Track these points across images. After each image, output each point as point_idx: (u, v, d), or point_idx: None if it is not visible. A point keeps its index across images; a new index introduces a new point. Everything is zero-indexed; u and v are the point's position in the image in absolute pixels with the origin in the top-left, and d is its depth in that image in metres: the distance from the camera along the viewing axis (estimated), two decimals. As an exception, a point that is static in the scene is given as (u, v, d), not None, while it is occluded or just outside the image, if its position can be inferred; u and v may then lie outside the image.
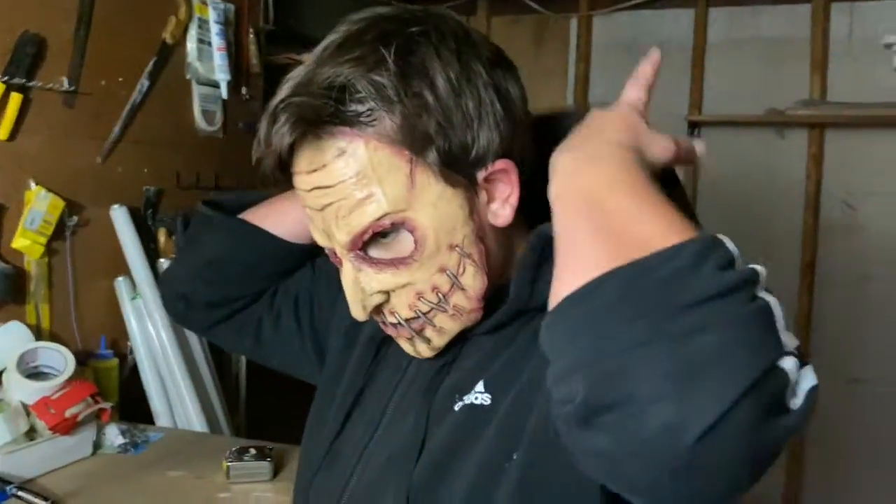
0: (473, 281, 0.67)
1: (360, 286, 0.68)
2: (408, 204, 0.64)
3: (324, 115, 0.61)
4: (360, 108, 0.62)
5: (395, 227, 0.64)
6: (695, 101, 2.50)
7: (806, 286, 2.39)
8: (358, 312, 0.69)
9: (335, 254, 0.69)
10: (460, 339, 0.72)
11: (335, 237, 0.66)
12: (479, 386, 0.69)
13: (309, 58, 0.66)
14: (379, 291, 0.68)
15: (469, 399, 0.68)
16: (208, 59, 1.86)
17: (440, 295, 0.67)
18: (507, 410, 0.65)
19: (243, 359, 1.85)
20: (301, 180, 0.65)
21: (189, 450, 1.48)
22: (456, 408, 0.69)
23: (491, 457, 0.64)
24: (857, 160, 2.34)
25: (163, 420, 1.65)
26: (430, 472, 0.67)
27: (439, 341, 0.70)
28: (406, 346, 0.72)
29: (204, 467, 1.37)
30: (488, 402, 0.67)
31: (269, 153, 0.63)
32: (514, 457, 0.62)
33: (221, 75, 1.87)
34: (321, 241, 0.69)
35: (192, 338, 1.72)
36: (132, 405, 1.65)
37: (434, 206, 0.64)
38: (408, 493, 0.67)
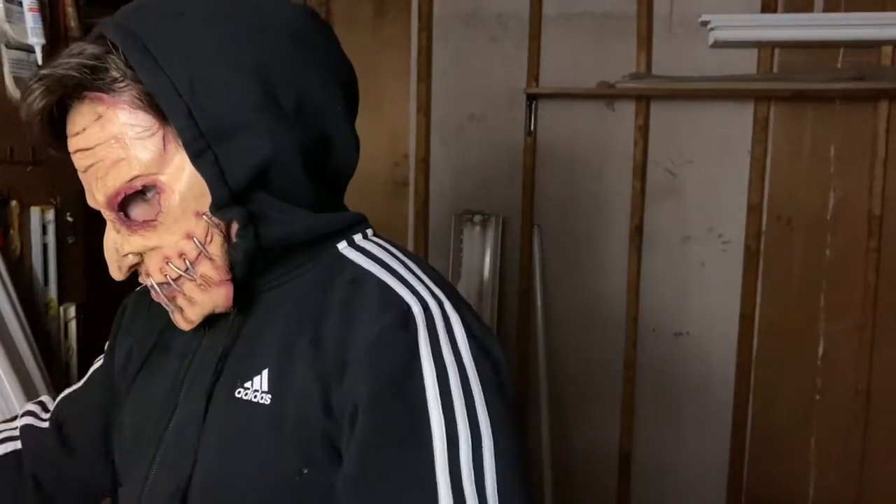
0: (220, 251, 0.70)
1: (116, 247, 0.72)
2: (158, 167, 0.68)
3: (83, 82, 0.67)
4: (116, 75, 0.68)
5: (147, 189, 0.69)
6: (532, 73, 2.58)
7: (635, 247, 2.55)
8: (114, 272, 0.73)
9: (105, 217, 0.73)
10: (245, 314, 0.76)
11: (95, 197, 0.71)
12: (263, 378, 0.73)
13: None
14: (131, 253, 0.72)
15: (248, 394, 0.73)
16: (19, 21, 1.70)
17: (188, 262, 0.71)
18: (289, 416, 0.70)
19: (74, 349, 1.74)
20: (69, 143, 0.71)
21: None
22: (238, 394, 0.73)
23: (272, 462, 0.70)
24: (678, 130, 2.51)
25: (-19, 414, 1.52)
26: (208, 474, 0.73)
27: (192, 313, 0.74)
28: (170, 315, 0.76)
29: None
30: (268, 401, 0.72)
31: (34, 118, 0.69)
32: (305, 472, 0.69)
33: (35, 39, 1.72)
34: (90, 202, 0.73)
35: (13, 326, 1.59)
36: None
37: (183, 170, 0.68)
38: (184, 494, 0.73)
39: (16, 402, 1.54)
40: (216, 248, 0.71)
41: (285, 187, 0.71)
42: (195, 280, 0.72)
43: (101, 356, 0.95)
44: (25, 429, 0.96)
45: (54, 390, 1.67)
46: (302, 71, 0.71)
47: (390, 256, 0.76)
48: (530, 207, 2.58)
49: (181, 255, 0.71)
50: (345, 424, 0.68)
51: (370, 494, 0.66)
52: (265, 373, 0.73)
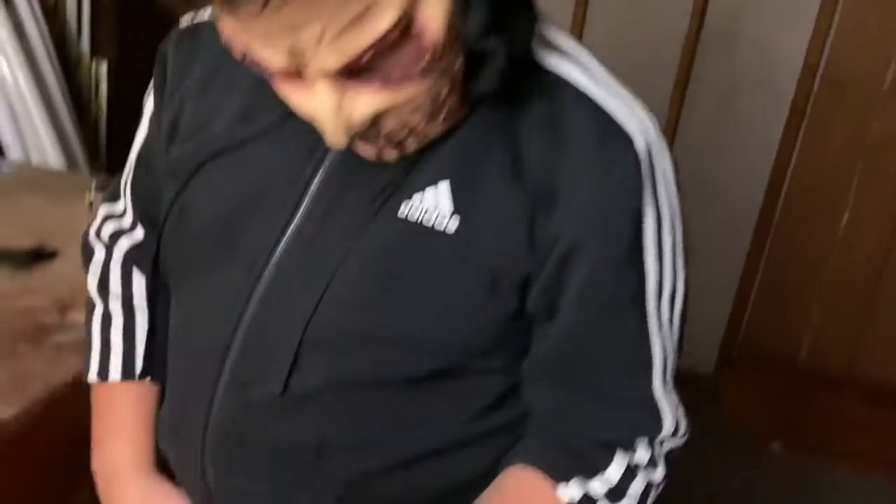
0: (456, 90, 0.56)
1: (345, 111, 0.53)
2: (412, 4, 0.49)
3: None
4: None
5: (403, 36, 0.50)
6: None
7: (678, 94, 2.47)
8: (340, 139, 0.55)
9: (283, 74, 0.52)
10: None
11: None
12: (444, 197, 0.60)
13: None
14: (370, 114, 0.54)
15: (418, 211, 0.60)
16: None
17: (440, 101, 0.56)
18: (484, 242, 0.60)
19: (104, 101, 1.73)
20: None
21: (47, 183, 1.41)
22: (402, 213, 0.61)
23: (448, 298, 0.60)
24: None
25: (14, 153, 1.55)
26: (362, 294, 0.61)
27: (415, 146, 0.59)
28: (364, 151, 0.59)
29: (64, 198, 1.31)
30: (449, 221, 0.60)
31: None
32: (487, 310, 0.61)
33: None
34: (275, 62, 0.51)
35: (48, 75, 1.58)
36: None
37: (438, 4, 0.51)
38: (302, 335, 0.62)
39: (51, 151, 1.56)
40: (455, 87, 0.56)
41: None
42: (438, 118, 0.57)
43: (145, 122, 0.78)
44: (130, 254, 0.82)
45: (85, 145, 1.69)
46: None
47: (584, 53, 0.63)
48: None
49: (435, 98, 0.55)
50: (549, 262, 0.60)
51: (584, 349, 0.63)
52: (444, 185, 0.60)
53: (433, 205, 0.60)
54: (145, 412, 0.79)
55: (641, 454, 0.67)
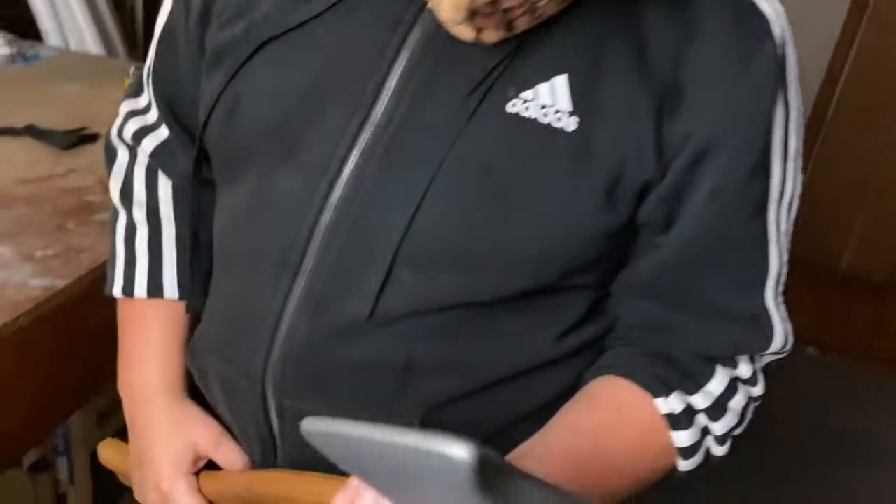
0: None
1: None
2: None
3: None
4: None
5: None
6: None
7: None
8: (459, 14, 0.49)
9: None
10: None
11: None
12: (561, 91, 0.53)
13: None
14: None
15: (531, 108, 0.54)
16: None
17: None
18: (605, 143, 0.53)
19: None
20: None
21: (86, 68, 1.41)
22: (511, 107, 0.54)
23: (565, 206, 0.54)
24: None
25: (53, 39, 1.54)
26: (465, 205, 0.55)
27: (525, 25, 0.52)
28: (462, 31, 0.51)
29: (103, 84, 1.32)
30: (568, 119, 0.53)
31: None
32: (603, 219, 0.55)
33: None
34: None
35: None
36: (20, 24, 1.53)
37: None
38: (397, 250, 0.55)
39: (89, 39, 1.55)
40: None
41: None
42: (548, 2, 0.50)
43: (168, 1, 0.71)
44: (155, 155, 0.76)
45: (122, 33, 1.68)
46: None
47: None
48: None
49: None
50: (675, 166, 0.55)
51: (699, 260, 0.58)
52: (561, 80, 0.53)
53: (550, 101, 0.53)
54: (176, 334, 0.74)
55: (743, 368, 0.63)
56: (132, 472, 0.75)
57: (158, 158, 0.75)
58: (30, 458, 1.13)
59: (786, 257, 0.61)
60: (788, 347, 0.63)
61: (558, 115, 0.53)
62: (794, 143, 0.57)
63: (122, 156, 0.77)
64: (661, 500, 0.74)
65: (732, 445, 0.64)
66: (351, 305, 0.58)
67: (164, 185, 0.75)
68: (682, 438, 0.59)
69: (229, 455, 0.71)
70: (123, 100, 0.78)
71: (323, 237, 0.58)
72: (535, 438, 0.58)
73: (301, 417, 0.42)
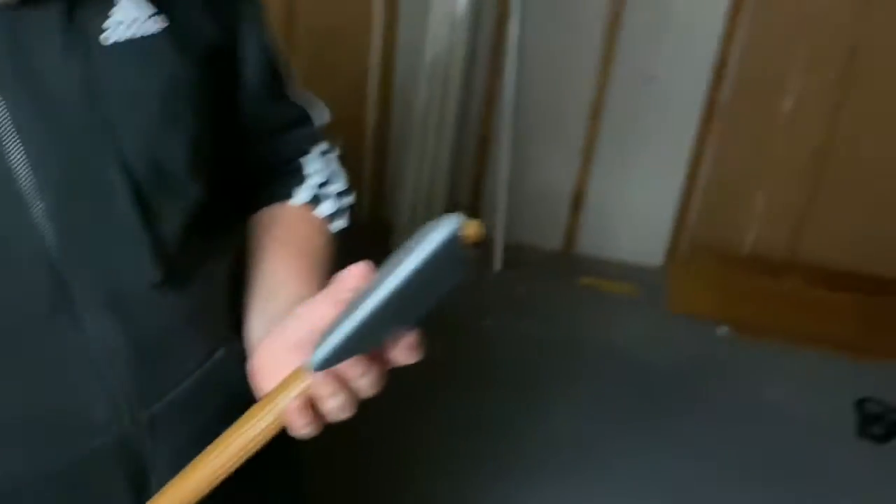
0: None
1: None
2: None
3: None
4: None
5: None
6: None
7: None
8: None
9: None
10: None
11: None
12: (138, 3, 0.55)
13: None
14: None
15: (129, 28, 0.54)
16: None
17: None
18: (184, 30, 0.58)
19: None
20: None
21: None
22: (109, 40, 0.54)
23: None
24: None
25: None
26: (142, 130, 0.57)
27: None
28: None
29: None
30: (160, 25, 0.56)
31: None
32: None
33: None
34: None
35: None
36: None
37: None
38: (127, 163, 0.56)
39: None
40: None
41: None
42: None
43: None
44: None
45: None
46: None
47: None
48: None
49: None
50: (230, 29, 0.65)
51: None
52: None
53: (136, 13, 0.54)
54: None
55: (322, 146, 0.76)
56: None
57: None
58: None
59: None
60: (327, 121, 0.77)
61: (147, 23, 0.55)
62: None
63: None
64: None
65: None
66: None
67: None
68: (325, 209, 0.73)
69: None
70: None
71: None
72: (269, 279, 0.66)
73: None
